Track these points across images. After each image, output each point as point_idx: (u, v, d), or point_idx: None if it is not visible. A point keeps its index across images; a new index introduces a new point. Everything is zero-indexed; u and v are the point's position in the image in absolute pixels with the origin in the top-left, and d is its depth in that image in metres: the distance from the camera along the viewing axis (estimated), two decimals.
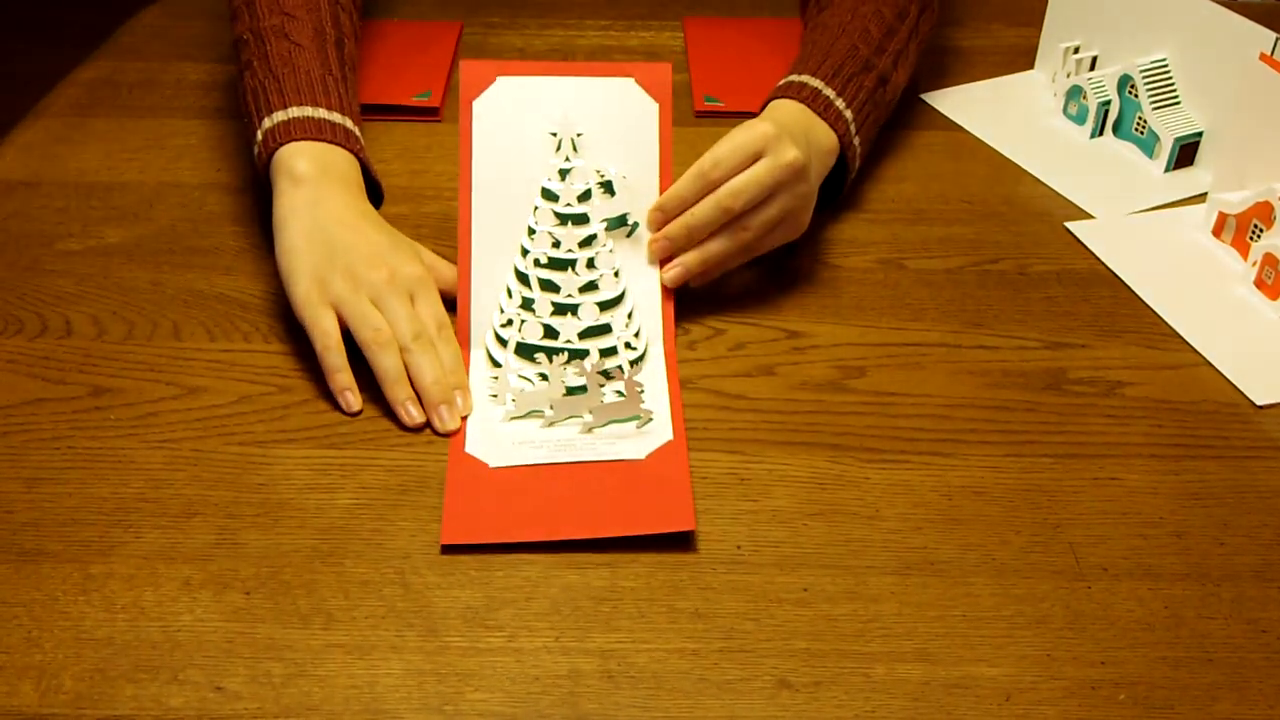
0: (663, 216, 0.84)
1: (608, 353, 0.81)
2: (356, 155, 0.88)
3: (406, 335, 0.79)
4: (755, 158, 0.83)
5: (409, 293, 0.81)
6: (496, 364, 0.81)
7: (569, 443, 0.76)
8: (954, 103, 1.13)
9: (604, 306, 0.82)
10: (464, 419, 0.78)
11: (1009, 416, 0.80)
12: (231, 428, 0.78)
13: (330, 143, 0.87)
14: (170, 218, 0.97)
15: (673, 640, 0.65)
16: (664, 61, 0.86)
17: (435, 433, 0.78)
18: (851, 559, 0.70)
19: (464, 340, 0.83)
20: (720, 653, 0.65)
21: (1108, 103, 1.07)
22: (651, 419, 0.77)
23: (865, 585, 0.68)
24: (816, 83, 0.90)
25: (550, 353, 0.81)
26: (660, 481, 0.73)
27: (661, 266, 0.85)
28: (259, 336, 0.85)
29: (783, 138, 0.84)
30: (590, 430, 0.77)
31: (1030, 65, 1.18)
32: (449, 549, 0.70)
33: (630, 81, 0.84)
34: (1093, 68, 1.11)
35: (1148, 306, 0.89)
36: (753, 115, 0.89)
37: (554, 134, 0.83)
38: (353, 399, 0.79)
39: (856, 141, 0.92)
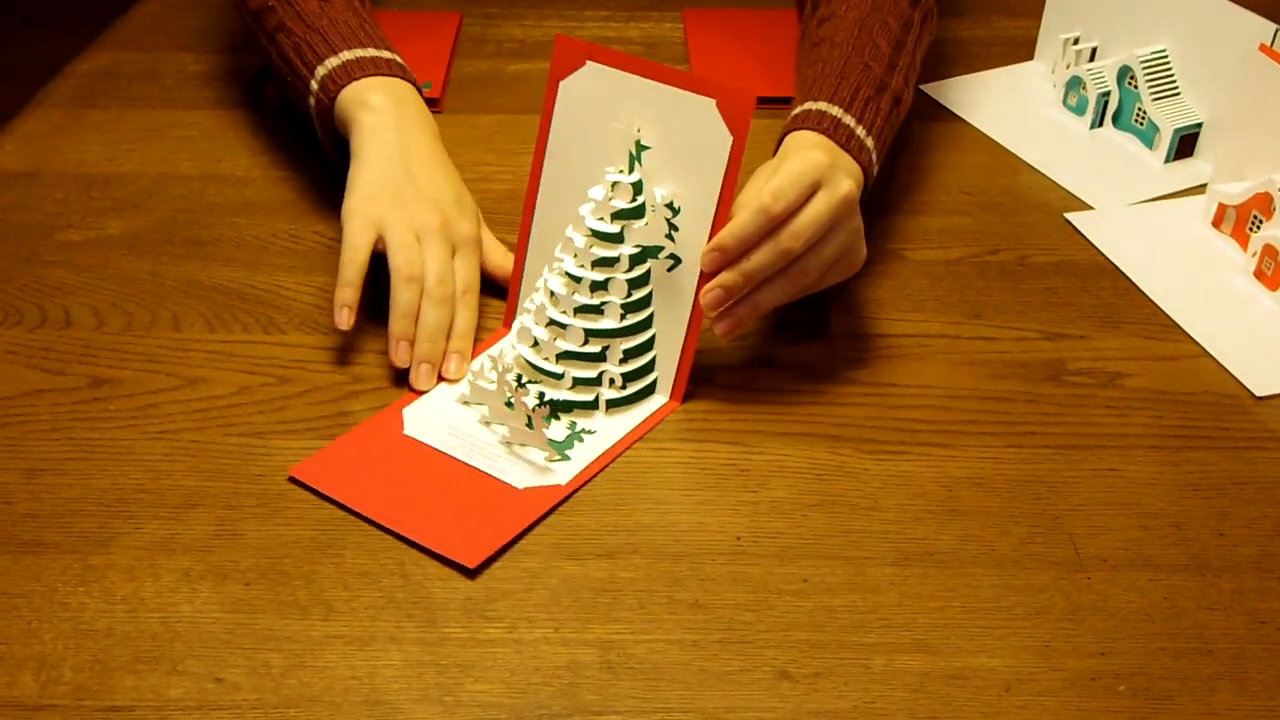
0: (722, 258, 0.75)
1: (584, 383, 0.78)
2: (415, 87, 0.90)
3: (432, 279, 0.80)
4: (814, 189, 0.75)
5: (453, 246, 0.82)
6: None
7: (481, 445, 0.76)
8: (954, 94, 1.13)
9: (597, 335, 0.77)
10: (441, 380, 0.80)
11: (1008, 408, 0.80)
12: (231, 419, 0.78)
13: (391, 76, 0.88)
14: (170, 209, 0.97)
15: (672, 631, 0.65)
16: (749, 91, 0.75)
17: (410, 386, 0.79)
18: (851, 550, 0.70)
19: (508, 318, 0.84)
20: (720, 644, 0.65)
21: (1107, 94, 1.07)
22: (565, 459, 0.75)
23: (865, 576, 0.68)
24: (835, 110, 0.82)
25: (524, 361, 0.78)
26: (498, 514, 0.71)
27: (714, 316, 0.77)
28: (258, 328, 0.85)
29: (836, 168, 0.77)
30: (508, 444, 0.76)
31: (1030, 56, 1.18)
32: (294, 481, 0.72)
33: (711, 104, 0.75)
34: (1092, 59, 1.10)
35: (1147, 297, 0.89)
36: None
37: (619, 137, 0.77)
38: (348, 317, 0.79)
39: (875, 171, 0.84)
